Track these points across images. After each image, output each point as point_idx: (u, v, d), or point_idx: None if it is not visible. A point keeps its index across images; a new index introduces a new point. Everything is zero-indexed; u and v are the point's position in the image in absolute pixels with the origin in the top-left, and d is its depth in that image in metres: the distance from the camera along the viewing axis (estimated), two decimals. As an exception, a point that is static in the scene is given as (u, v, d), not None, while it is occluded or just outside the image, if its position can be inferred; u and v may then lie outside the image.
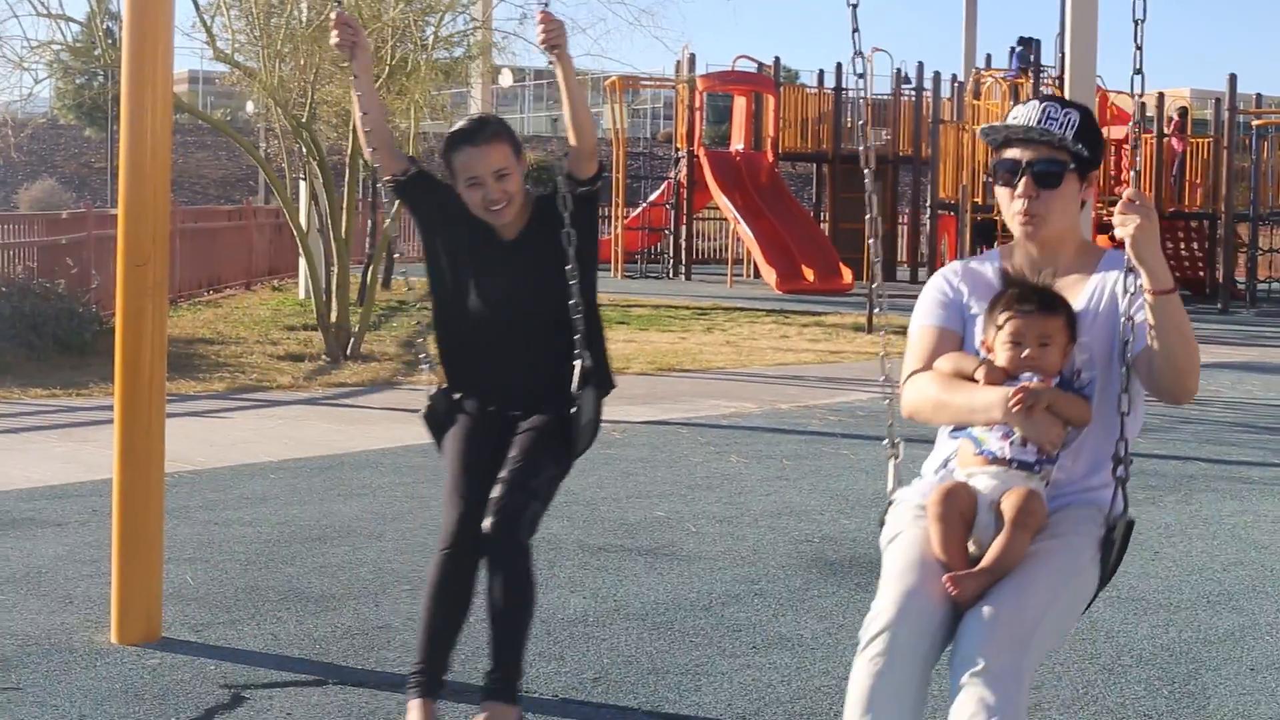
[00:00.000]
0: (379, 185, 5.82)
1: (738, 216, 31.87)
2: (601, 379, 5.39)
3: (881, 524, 4.40)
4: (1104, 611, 6.61)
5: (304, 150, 18.70)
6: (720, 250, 41.87)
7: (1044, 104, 4.29)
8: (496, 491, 5.00)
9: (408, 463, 9.99)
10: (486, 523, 4.94)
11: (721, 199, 32.68)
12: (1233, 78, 29.54)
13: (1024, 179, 4.22)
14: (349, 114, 17.71)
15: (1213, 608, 6.78)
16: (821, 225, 35.25)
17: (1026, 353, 4.15)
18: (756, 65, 36.49)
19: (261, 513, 8.38)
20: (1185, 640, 6.26)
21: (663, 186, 37.10)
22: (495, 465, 5.09)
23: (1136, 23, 4.26)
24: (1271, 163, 30.78)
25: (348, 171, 18.58)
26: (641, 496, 9.10)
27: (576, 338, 5.18)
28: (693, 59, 35.44)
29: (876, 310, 4.61)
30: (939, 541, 4.06)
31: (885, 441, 4.68)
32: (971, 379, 4.20)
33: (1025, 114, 4.29)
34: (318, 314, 17.43)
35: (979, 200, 29.54)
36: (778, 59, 36.19)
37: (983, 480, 4.15)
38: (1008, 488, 4.09)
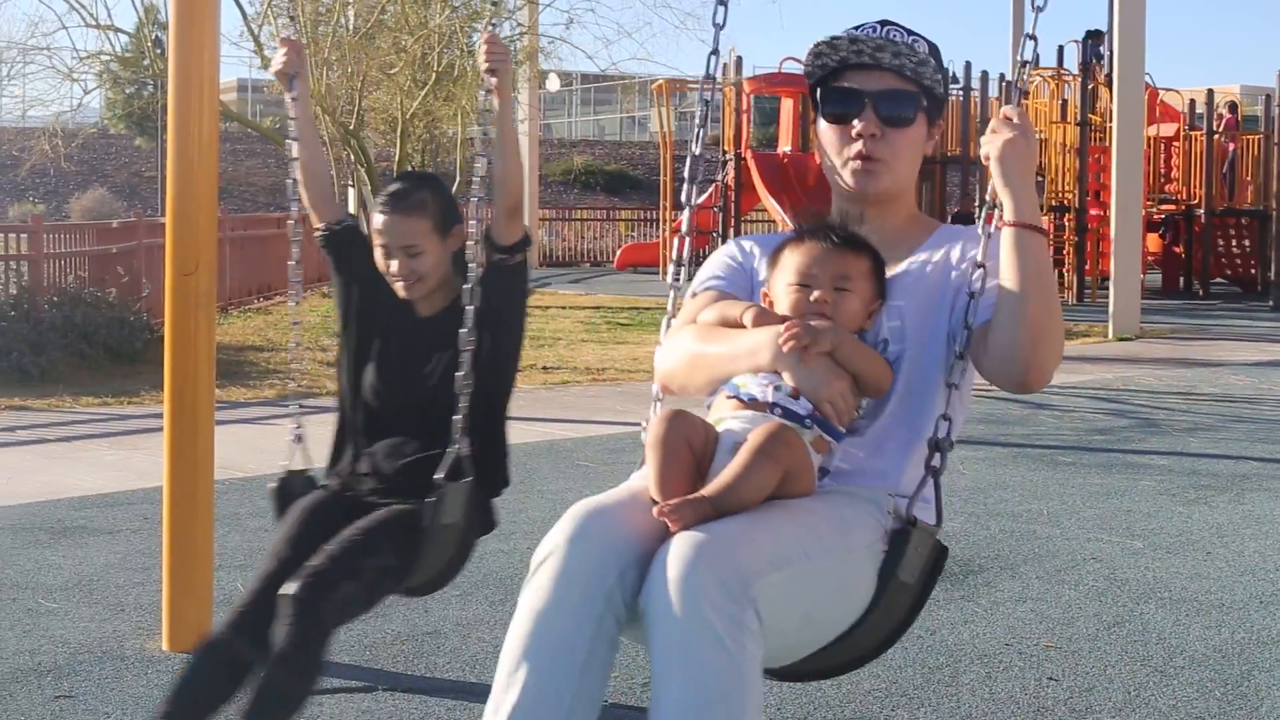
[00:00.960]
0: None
1: (786, 219, 31.83)
2: (487, 479, 4.75)
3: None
4: (1155, 613, 6.57)
5: (352, 157, 18.77)
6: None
7: (885, 27, 3.52)
8: (314, 559, 4.31)
9: (457, 468, 9.98)
10: (290, 586, 4.22)
11: (769, 201, 32.65)
12: (1283, 73, 29.31)
13: (867, 113, 3.47)
14: (397, 121, 17.77)
15: (1266, 609, 6.73)
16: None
17: (818, 294, 3.35)
18: (803, 68, 36.43)
19: (311, 519, 8.40)
20: (1238, 642, 6.21)
21: (711, 189, 37.10)
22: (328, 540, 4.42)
23: (1037, 10, 3.62)
24: (1322, 159, 30.53)
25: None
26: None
27: (456, 419, 4.47)
28: (739, 61, 35.42)
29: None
30: (655, 472, 3.17)
31: (640, 423, 3.75)
32: (740, 326, 3.39)
33: (866, 38, 3.49)
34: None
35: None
36: (825, 60, 36.11)
37: (732, 423, 3.29)
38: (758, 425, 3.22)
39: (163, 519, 6.05)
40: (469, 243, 4.58)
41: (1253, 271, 32.33)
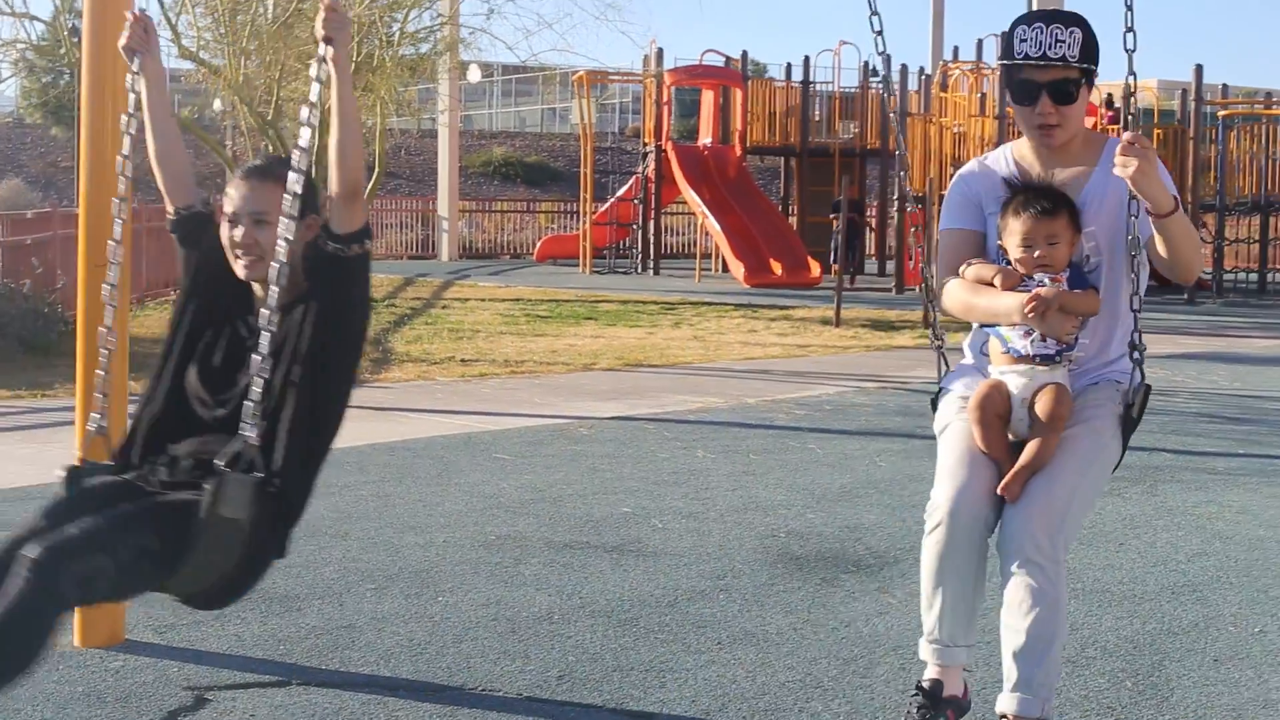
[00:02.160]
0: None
1: (706, 211, 31.91)
2: (286, 489, 4.44)
3: (934, 408, 4.99)
4: (1069, 604, 6.61)
5: (270, 148, 18.65)
6: (688, 245, 41.90)
7: (1050, 27, 4.67)
8: (71, 528, 4.08)
9: (373, 460, 9.96)
10: (31, 548, 3.99)
11: (689, 193, 32.72)
12: (1198, 68, 29.66)
13: (1042, 98, 4.67)
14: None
15: (1177, 599, 6.80)
16: (789, 219, 35.29)
17: (1038, 253, 4.67)
18: (724, 59, 36.52)
19: (227, 513, 8.34)
20: (1149, 632, 6.27)
21: (630, 181, 37.11)
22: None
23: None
24: (1237, 153, 30.88)
25: (314, 170, 18.52)
26: (607, 492, 9.10)
27: (249, 405, 4.22)
28: (660, 53, 35.45)
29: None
30: (981, 440, 4.66)
31: (929, 332, 5.18)
32: (992, 284, 4.70)
33: (1034, 39, 4.66)
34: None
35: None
36: (745, 53, 36.23)
37: (1013, 379, 4.71)
38: (1037, 385, 4.67)
39: (75, 513, 5.98)
40: (282, 218, 4.29)
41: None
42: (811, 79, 35.34)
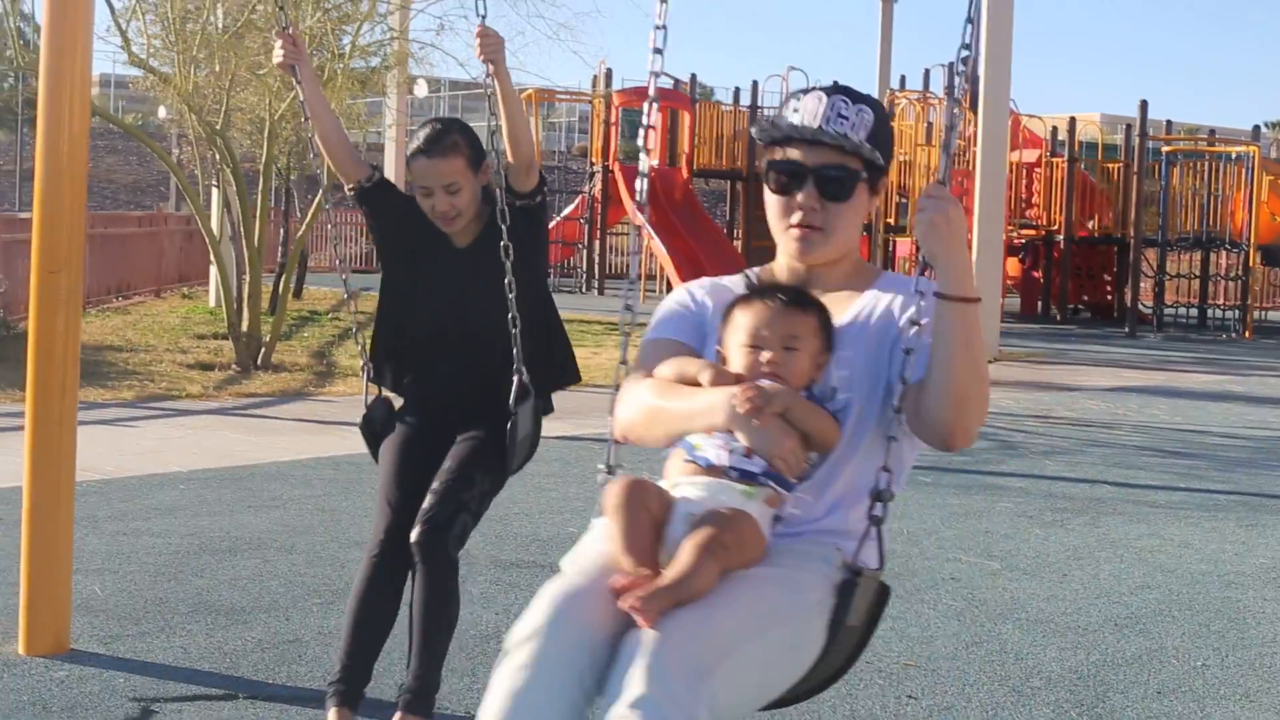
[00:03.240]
0: (326, 193, 5.70)
1: (651, 232, 31.92)
2: (555, 383, 5.53)
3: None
4: (1012, 633, 6.66)
5: (217, 157, 18.59)
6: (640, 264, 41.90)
7: (832, 97, 3.60)
8: (427, 502, 5.00)
9: (318, 475, 9.93)
10: (415, 533, 4.95)
11: (637, 215, 32.71)
12: (1144, 104, 29.86)
13: (807, 187, 3.58)
14: (264, 121, 17.64)
15: (1120, 631, 6.83)
16: (734, 243, 35.35)
17: (768, 356, 3.47)
18: (673, 81, 36.57)
19: (171, 524, 8.31)
20: (1093, 663, 6.31)
21: (577, 201, 37.10)
22: (428, 476, 5.09)
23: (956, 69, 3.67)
24: (1180, 189, 31.10)
25: (261, 179, 18.48)
26: (554, 512, 9.09)
27: (515, 351, 5.13)
28: (609, 73, 35.49)
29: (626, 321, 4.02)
30: (620, 534, 3.30)
31: (601, 467, 3.84)
32: (696, 384, 3.49)
33: (811, 109, 3.60)
34: (229, 323, 17.32)
35: (890, 220, 29.74)
36: (694, 75, 36.25)
37: (689, 489, 3.40)
38: (717, 503, 3.33)
39: (22, 520, 5.95)
40: (499, 205, 5.09)
41: (1109, 299, 32.87)
42: (760, 103, 35.42)
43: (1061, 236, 31.30)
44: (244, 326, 16.93)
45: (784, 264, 3.73)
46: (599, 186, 34.52)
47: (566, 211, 37.40)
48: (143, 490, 9.35)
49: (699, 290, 3.83)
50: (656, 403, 3.53)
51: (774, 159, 3.66)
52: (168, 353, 17.82)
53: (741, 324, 3.53)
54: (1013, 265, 32.12)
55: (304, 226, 19.47)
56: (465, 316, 5.26)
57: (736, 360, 3.52)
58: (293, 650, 6.03)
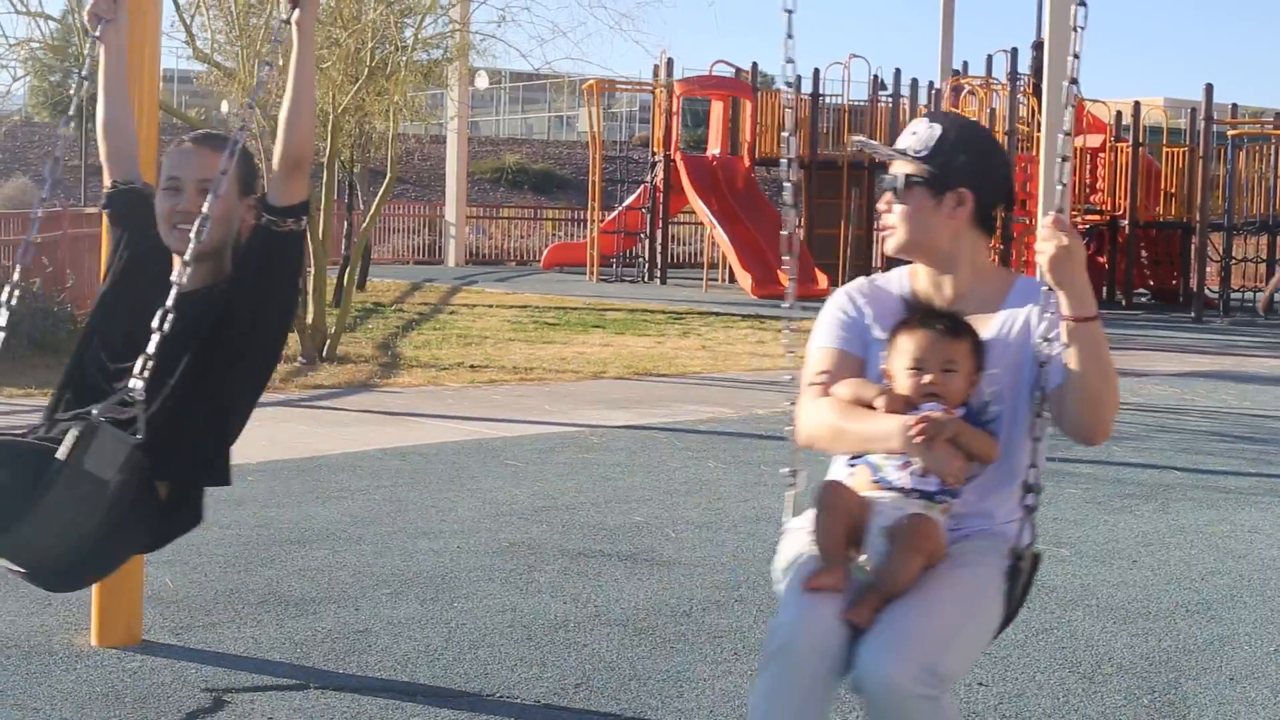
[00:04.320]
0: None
1: (713, 221, 31.90)
2: (179, 461, 4.23)
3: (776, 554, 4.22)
4: (1082, 620, 6.63)
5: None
6: (696, 255, 41.92)
7: (917, 121, 4.26)
8: None
9: (385, 465, 9.97)
10: None
11: (697, 203, 32.71)
12: (1209, 87, 29.63)
13: (882, 191, 4.23)
14: (327, 115, 17.70)
15: (1191, 617, 6.79)
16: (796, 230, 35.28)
17: (929, 379, 3.98)
18: (734, 70, 36.52)
19: (240, 515, 8.36)
20: (1165, 649, 6.27)
21: (639, 190, 37.11)
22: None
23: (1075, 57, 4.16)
24: (1246, 173, 30.89)
25: (324, 173, 18.56)
26: (620, 501, 9.10)
27: (136, 366, 3.94)
28: (670, 63, 35.49)
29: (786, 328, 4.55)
30: (821, 530, 3.91)
31: (786, 470, 4.40)
32: (871, 407, 4.02)
33: (905, 134, 4.26)
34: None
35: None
36: (755, 64, 36.25)
37: (882, 503, 3.95)
38: (903, 512, 3.90)
39: (93, 513, 5.99)
40: (213, 184, 4.12)
41: (1175, 284, 32.67)
42: (821, 91, 35.33)
43: (1126, 222, 31.13)
44: (309, 319, 17.01)
45: (922, 287, 4.23)
46: (660, 176, 34.52)
47: (629, 201, 37.43)
48: (211, 482, 9.39)
49: (858, 296, 4.29)
50: (839, 424, 4.04)
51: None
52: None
53: (905, 349, 4.02)
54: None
55: (368, 219, 19.55)
56: (132, 364, 4.03)
57: (902, 382, 4.01)
58: (362, 640, 6.06)
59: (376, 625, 6.27)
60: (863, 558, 3.90)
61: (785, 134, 4.44)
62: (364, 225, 19.93)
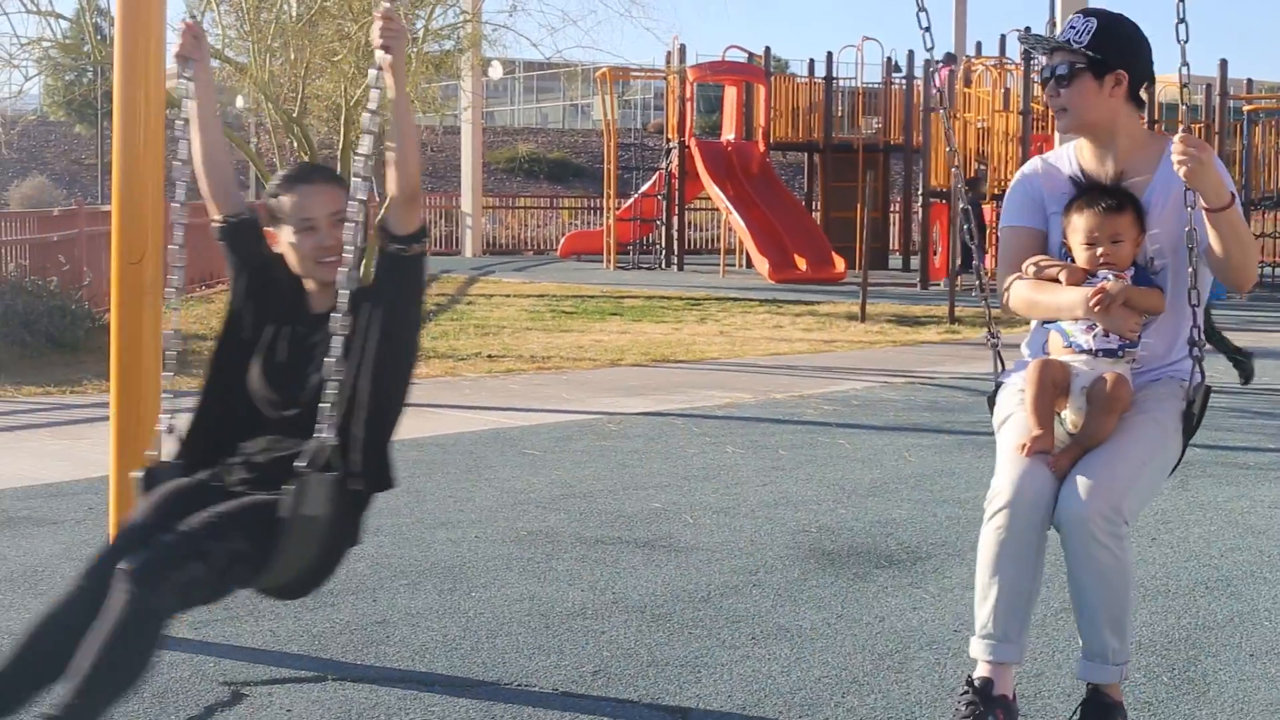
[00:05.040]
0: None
1: (729, 206, 31.86)
2: (362, 479, 4.55)
3: (991, 405, 5.06)
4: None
5: (295, 145, 18.68)
6: (712, 240, 41.85)
7: (1073, 17, 4.89)
8: (167, 534, 4.21)
9: (403, 456, 9.93)
10: (129, 559, 4.11)
11: (713, 189, 32.67)
12: (1223, 63, 29.56)
13: (1049, 80, 4.84)
14: (340, 108, 17.70)
15: (1211, 593, 6.78)
16: (813, 214, 35.25)
17: (1101, 251, 4.73)
18: (747, 55, 36.47)
19: (258, 508, 8.35)
20: (1184, 626, 6.25)
21: (654, 177, 37.08)
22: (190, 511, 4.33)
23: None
24: (1263, 148, 30.78)
25: (339, 166, 18.55)
26: (638, 488, 9.10)
27: (324, 407, 4.35)
28: (683, 49, 35.45)
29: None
30: (1030, 398, 4.69)
31: (985, 332, 5.28)
32: (1056, 280, 4.77)
33: (1064, 28, 4.87)
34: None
35: (942, 185, 29.53)
36: (768, 49, 36.17)
37: (1076, 364, 4.73)
38: (1097, 373, 4.68)
39: (109, 509, 6.00)
40: (346, 225, 4.46)
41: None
42: (834, 74, 35.28)
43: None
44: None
45: (1088, 160, 4.93)
46: (675, 162, 34.49)
47: (644, 188, 37.40)
48: (229, 477, 9.40)
49: (1034, 176, 5.02)
50: (1032, 296, 4.83)
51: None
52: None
53: (1079, 226, 4.76)
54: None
55: (382, 210, 19.54)
56: (300, 392, 4.56)
57: (1080, 254, 4.77)
58: (380, 631, 6.06)
59: (394, 616, 6.28)
60: (1066, 412, 4.71)
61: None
62: (378, 217, 19.92)
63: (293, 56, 17.68)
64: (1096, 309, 4.63)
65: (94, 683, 4.01)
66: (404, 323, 4.65)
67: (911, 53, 33.56)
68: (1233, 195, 4.58)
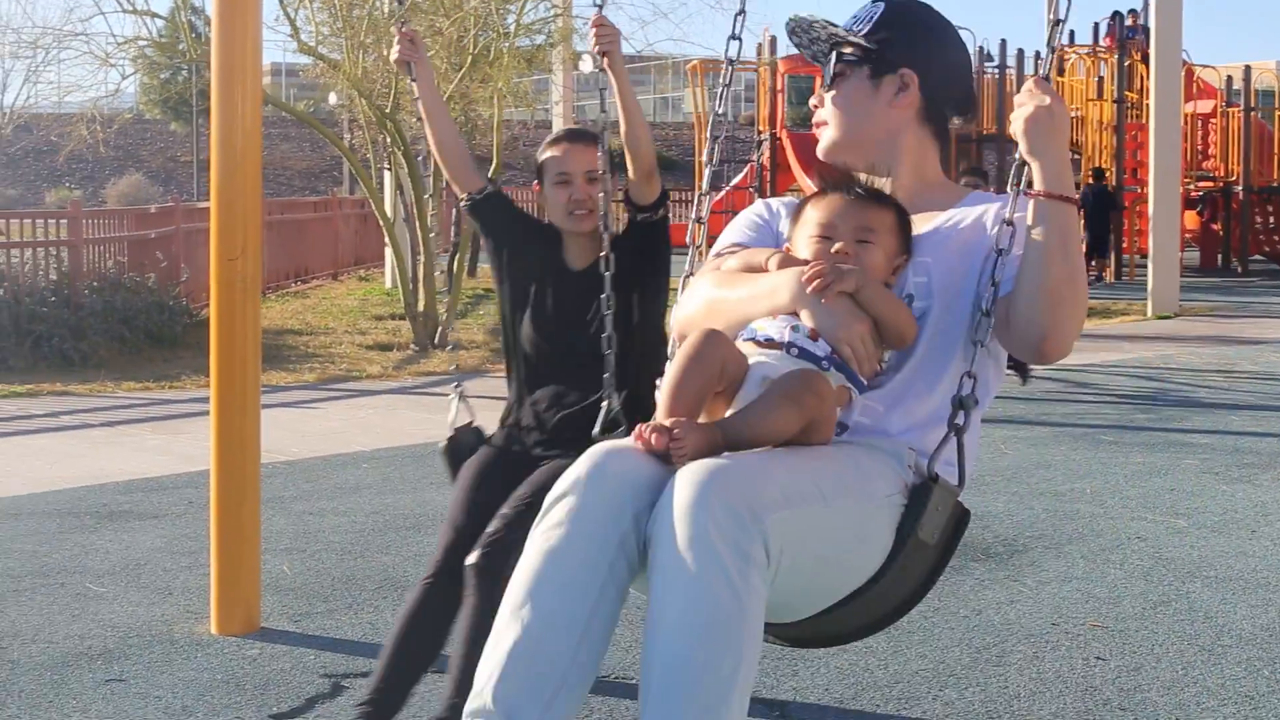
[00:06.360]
0: (459, 204, 5.58)
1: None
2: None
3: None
4: (1201, 592, 6.55)
5: (388, 140, 18.77)
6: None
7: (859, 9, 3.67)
8: (491, 526, 4.52)
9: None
10: (472, 557, 4.46)
11: (805, 181, 32.57)
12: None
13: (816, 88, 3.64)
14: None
15: (1313, 586, 6.71)
16: (906, 205, 35.06)
17: (838, 246, 3.30)
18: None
19: (355, 502, 8.43)
20: (1286, 620, 6.20)
21: (746, 169, 37.02)
22: (499, 502, 4.60)
23: None
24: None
25: (432, 161, 18.63)
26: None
27: (606, 376, 4.46)
28: (774, 41, 35.35)
29: None
30: (674, 372, 3.10)
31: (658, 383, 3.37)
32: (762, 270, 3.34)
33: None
34: (405, 303, 17.56)
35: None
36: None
37: (763, 358, 3.18)
38: (790, 369, 3.13)
39: (210, 503, 6.07)
40: (601, 211, 4.74)
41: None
42: (927, 64, 35.07)
43: (1240, 187, 30.71)
44: (420, 306, 17.14)
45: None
46: (767, 154, 34.43)
47: (736, 180, 37.35)
48: (327, 470, 9.49)
49: (775, 202, 3.76)
50: (717, 293, 3.38)
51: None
52: (346, 335, 18.08)
53: (812, 217, 3.40)
54: (1191, 218, 31.55)
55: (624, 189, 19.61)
56: (572, 344, 4.80)
57: (804, 252, 3.35)
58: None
59: (491, 609, 6.29)
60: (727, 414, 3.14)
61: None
62: (619, 194, 19.99)
63: (385, 52, 17.74)
64: (812, 287, 3.15)
65: (471, 657, 4.23)
66: (657, 282, 4.92)
67: (1004, 41, 33.33)
68: (1075, 198, 3.25)
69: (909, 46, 3.56)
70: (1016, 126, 3.24)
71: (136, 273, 16.95)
